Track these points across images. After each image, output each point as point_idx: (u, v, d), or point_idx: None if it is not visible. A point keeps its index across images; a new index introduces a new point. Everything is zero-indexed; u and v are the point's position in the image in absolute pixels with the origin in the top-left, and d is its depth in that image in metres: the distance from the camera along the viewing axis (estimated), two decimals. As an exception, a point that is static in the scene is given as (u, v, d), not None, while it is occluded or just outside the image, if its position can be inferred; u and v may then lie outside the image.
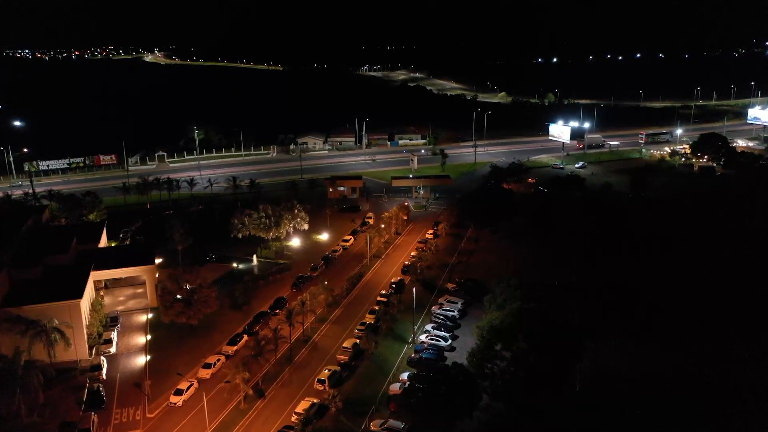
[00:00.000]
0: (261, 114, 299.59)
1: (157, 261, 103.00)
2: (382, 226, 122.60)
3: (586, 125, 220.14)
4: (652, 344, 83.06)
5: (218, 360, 78.54)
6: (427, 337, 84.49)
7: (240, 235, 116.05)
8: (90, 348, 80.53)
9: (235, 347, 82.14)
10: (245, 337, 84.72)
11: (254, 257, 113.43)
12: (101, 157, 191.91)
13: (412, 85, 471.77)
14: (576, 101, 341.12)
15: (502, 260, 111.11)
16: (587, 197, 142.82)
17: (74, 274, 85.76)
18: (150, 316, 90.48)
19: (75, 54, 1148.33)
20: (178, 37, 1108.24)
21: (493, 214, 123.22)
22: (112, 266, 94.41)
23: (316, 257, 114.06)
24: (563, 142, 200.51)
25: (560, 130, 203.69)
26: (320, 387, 73.17)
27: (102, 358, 78.61)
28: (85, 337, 79.81)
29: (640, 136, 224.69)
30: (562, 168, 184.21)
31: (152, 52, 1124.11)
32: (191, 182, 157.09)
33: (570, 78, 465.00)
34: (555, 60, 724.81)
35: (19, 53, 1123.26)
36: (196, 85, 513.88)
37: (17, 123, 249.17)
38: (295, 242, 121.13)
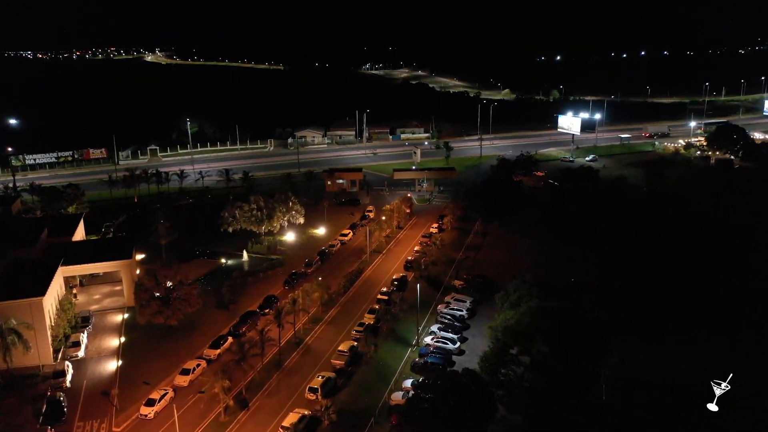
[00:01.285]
0: (259, 108, 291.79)
1: (139, 256, 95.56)
2: (384, 219, 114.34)
3: (597, 116, 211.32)
4: (681, 347, 74.48)
5: (198, 365, 70.24)
6: (432, 339, 76.52)
7: (231, 229, 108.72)
8: (55, 352, 72.25)
9: (218, 351, 73.87)
10: (230, 339, 76.34)
11: (244, 252, 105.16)
12: (91, 151, 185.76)
13: (414, 82, 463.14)
14: (581, 98, 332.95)
15: (511, 256, 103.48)
16: (601, 190, 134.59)
17: (40, 269, 77.53)
18: (126, 316, 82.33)
19: (76, 54, 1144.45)
20: (178, 38, 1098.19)
21: (502, 207, 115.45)
22: (84, 261, 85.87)
23: (312, 252, 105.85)
24: (573, 134, 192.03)
25: (570, 122, 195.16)
26: (312, 396, 64.84)
27: (67, 363, 70.20)
28: (49, 339, 71.53)
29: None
30: (572, 161, 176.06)
31: (153, 52, 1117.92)
32: (181, 175, 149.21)
33: (574, 76, 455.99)
34: (558, 58, 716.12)
35: (20, 54, 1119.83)
36: (193, 81, 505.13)
37: (12, 121, 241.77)
38: (290, 237, 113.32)
